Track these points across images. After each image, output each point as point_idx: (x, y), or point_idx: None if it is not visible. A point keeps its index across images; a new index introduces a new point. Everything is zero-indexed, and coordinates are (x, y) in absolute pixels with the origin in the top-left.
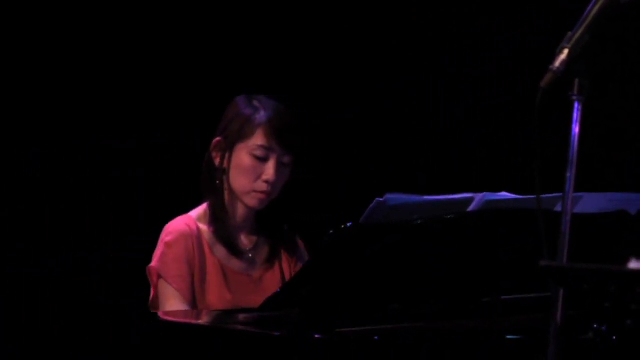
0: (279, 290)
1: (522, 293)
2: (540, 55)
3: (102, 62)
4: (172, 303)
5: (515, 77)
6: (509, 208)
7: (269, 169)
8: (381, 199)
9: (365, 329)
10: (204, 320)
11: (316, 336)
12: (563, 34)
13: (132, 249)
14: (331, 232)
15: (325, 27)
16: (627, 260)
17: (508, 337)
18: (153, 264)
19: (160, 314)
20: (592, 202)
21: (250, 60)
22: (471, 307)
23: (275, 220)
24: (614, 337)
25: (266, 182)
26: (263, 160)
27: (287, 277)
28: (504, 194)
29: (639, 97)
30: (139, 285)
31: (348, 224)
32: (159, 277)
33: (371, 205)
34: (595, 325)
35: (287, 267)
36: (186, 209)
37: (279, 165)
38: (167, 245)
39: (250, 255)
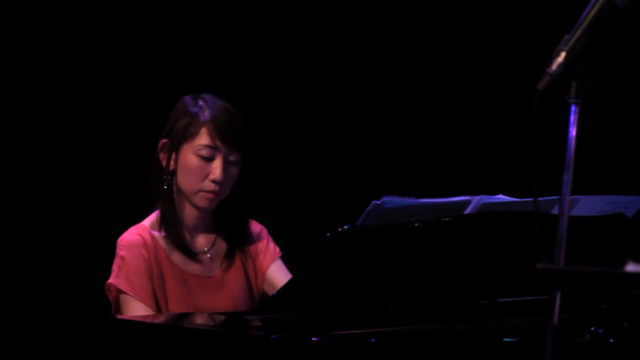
0: (276, 292)
1: (519, 295)
2: (537, 57)
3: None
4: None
5: (512, 80)
6: (506, 211)
7: (216, 169)
8: (378, 202)
9: (363, 331)
10: (200, 323)
11: (314, 339)
12: (560, 36)
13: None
14: (328, 234)
15: (325, 26)
16: (624, 263)
17: (505, 339)
18: (111, 279)
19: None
20: (589, 205)
21: (249, 59)
22: (468, 310)
23: (231, 218)
24: (611, 340)
25: (213, 181)
26: (209, 159)
27: (251, 274)
28: (501, 197)
29: (636, 100)
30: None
31: (345, 227)
32: (119, 291)
33: (368, 208)
34: (592, 328)
35: (250, 263)
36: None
37: (226, 164)
38: (123, 258)
39: (209, 256)
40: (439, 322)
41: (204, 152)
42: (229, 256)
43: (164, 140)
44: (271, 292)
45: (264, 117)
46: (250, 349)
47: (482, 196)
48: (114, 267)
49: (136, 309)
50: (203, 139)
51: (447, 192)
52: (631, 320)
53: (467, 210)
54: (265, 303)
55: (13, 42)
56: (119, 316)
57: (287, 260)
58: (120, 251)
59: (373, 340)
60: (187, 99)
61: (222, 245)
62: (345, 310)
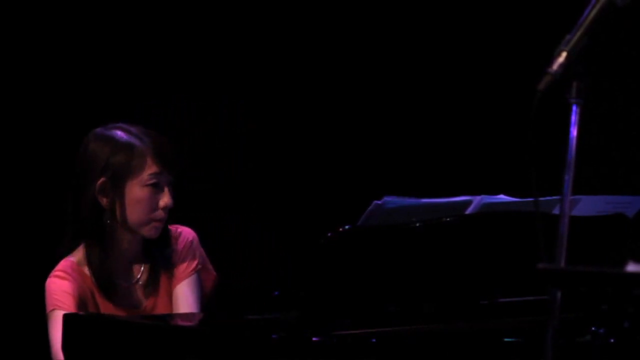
0: (276, 292)
1: (519, 295)
2: (538, 57)
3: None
4: None
5: (512, 80)
6: (507, 211)
7: (165, 196)
8: (379, 202)
9: (363, 331)
10: (199, 323)
11: (314, 339)
12: (560, 36)
13: None
14: (329, 234)
15: (327, 26)
16: (624, 263)
17: (505, 339)
18: (47, 310)
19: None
20: (589, 205)
21: (252, 59)
22: (468, 310)
23: (162, 244)
24: (612, 340)
25: (164, 208)
26: (158, 188)
27: (171, 296)
28: (502, 197)
29: (636, 100)
30: None
31: (346, 227)
32: (52, 310)
33: (369, 208)
34: (592, 328)
35: (167, 285)
36: None
37: (170, 188)
38: (53, 284)
39: (140, 283)
40: (439, 322)
41: (153, 181)
42: (158, 283)
43: (102, 181)
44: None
45: (265, 117)
46: (250, 349)
47: (483, 196)
48: (47, 300)
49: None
50: (150, 168)
51: (448, 192)
52: (631, 320)
53: (468, 211)
54: (266, 303)
55: None
56: (118, 316)
57: (288, 260)
58: (49, 290)
59: (373, 340)
60: (106, 132)
61: (151, 273)
62: (345, 310)
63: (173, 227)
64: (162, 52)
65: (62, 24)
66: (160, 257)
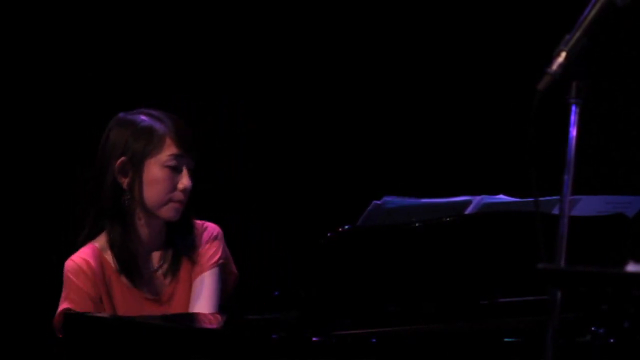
0: (276, 292)
1: (519, 295)
2: (537, 57)
3: None
4: None
5: (512, 80)
6: (507, 211)
7: (184, 177)
8: (379, 202)
9: (363, 331)
10: (200, 323)
11: (314, 339)
12: (560, 36)
13: None
14: (329, 234)
15: (327, 27)
16: (624, 263)
17: (505, 339)
18: (60, 308)
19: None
20: (589, 205)
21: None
22: (468, 310)
23: (183, 228)
24: (612, 340)
25: (183, 190)
26: (177, 169)
27: (191, 285)
28: (502, 197)
29: (636, 100)
30: None
31: (346, 227)
32: (64, 314)
33: (369, 208)
34: (592, 328)
35: (188, 273)
36: None
37: (190, 172)
38: (68, 284)
39: (161, 272)
40: (439, 322)
41: (172, 163)
42: (178, 270)
43: (122, 160)
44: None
45: (265, 117)
46: (250, 349)
47: (482, 196)
48: (62, 295)
49: None
50: (169, 149)
51: (448, 192)
52: (631, 320)
53: (468, 210)
54: (266, 303)
55: None
56: (116, 316)
57: (288, 260)
58: (67, 275)
59: (373, 340)
60: (128, 116)
61: (173, 260)
62: (345, 310)
63: (199, 222)
64: (162, 52)
65: (62, 24)
66: (182, 244)
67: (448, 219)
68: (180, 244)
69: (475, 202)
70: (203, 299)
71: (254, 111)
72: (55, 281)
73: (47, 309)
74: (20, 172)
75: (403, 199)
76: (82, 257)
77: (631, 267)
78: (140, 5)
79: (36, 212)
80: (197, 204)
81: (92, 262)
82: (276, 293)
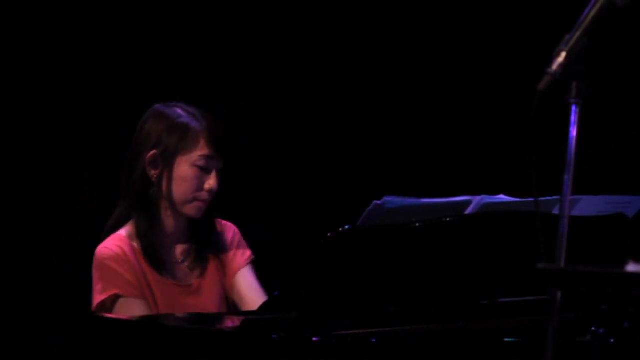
0: (277, 292)
1: (519, 295)
2: (537, 57)
3: None
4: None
5: (512, 80)
6: (507, 211)
7: (212, 179)
8: (379, 202)
9: (363, 331)
10: (200, 323)
11: (314, 339)
12: (560, 36)
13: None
14: (329, 234)
15: (327, 27)
16: (624, 263)
17: (505, 339)
18: (98, 298)
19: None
20: (589, 205)
21: (252, 60)
22: (468, 310)
23: (205, 225)
24: (612, 340)
25: (209, 191)
26: (206, 170)
27: (224, 282)
28: (502, 197)
29: (636, 100)
30: None
31: (346, 227)
32: (113, 301)
33: (369, 208)
34: (592, 328)
35: (223, 270)
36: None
37: (218, 173)
38: (107, 270)
39: (186, 264)
40: (439, 322)
41: (202, 163)
42: (204, 264)
43: (153, 152)
44: (238, 302)
45: (265, 117)
46: (250, 349)
47: (483, 196)
48: (96, 287)
49: (137, 307)
50: (202, 150)
51: (448, 192)
52: (631, 320)
53: (468, 211)
54: (266, 303)
55: None
56: (120, 316)
57: (288, 260)
58: (103, 263)
59: (373, 340)
60: (165, 109)
61: (197, 254)
62: (345, 310)
63: (217, 221)
64: (162, 52)
65: (62, 25)
66: (206, 241)
67: (448, 219)
68: (204, 240)
69: (475, 202)
70: (253, 292)
71: (254, 111)
72: (55, 281)
73: (47, 309)
74: (20, 172)
75: (403, 199)
76: (116, 245)
77: (631, 267)
78: (140, 5)
79: (36, 212)
80: (221, 205)
81: (126, 249)
82: (276, 293)
